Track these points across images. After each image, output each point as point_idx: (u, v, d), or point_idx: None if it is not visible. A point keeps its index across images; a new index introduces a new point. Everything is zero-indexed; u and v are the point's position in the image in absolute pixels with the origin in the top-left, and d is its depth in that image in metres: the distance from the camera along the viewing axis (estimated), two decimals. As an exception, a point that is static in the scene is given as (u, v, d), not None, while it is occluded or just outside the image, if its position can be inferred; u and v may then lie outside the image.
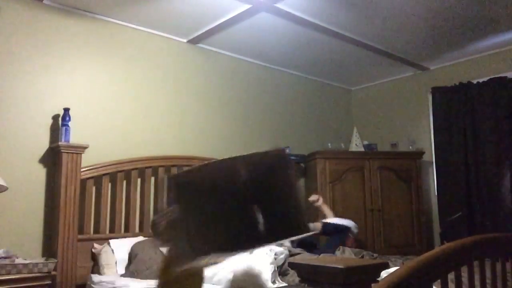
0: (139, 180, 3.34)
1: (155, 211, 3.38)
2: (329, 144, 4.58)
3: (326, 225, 3.43)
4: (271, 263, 2.51)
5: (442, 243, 3.92)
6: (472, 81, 4.21)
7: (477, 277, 1.57)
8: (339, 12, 3.33)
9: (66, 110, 2.97)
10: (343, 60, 4.38)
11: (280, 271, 2.56)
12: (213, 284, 2.46)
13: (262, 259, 2.48)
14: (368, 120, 5.16)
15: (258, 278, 2.34)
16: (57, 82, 3.10)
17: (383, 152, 4.56)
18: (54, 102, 3.05)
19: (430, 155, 4.48)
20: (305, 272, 1.17)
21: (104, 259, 2.87)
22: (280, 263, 2.59)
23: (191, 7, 3.23)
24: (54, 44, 3.11)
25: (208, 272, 2.58)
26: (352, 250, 2.91)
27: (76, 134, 3.00)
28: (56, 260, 2.64)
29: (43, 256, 2.82)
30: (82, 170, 2.95)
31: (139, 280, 2.61)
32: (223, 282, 2.40)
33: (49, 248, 2.88)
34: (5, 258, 2.44)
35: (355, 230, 3.54)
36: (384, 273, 1.41)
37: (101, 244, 3.00)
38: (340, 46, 4.00)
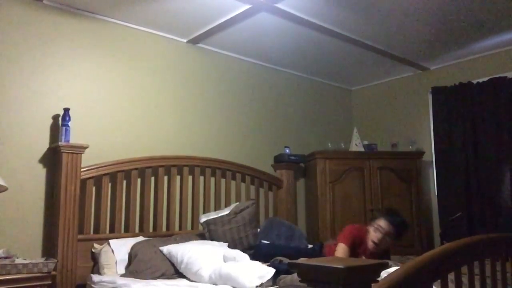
0: (139, 180, 3.34)
1: (155, 211, 3.39)
2: (329, 144, 4.58)
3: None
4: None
5: (442, 243, 3.92)
6: (472, 81, 4.21)
7: (477, 277, 1.57)
8: (339, 12, 3.33)
9: (66, 110, 2.97)
10: (343, 60, 4.38)
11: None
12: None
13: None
14: (368, 120, 5.16)
15: None
16: (57, 82, 3.10)
17: (383, 152, 4.55)
18: (54, 102, 3.05)
19: (430, 155, 4.48)
20: (305, 272, 1.16)
21: (104, 259, 2.87)
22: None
23: (191, 7, 3.23)
24: (54, 44, 3.11)
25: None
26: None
27: (76, 134, 3.00)
28: (56, 260, 2.63)
29: (43, 256, 2.82)
30: (82, 170, 2.95)
31: (139, 280, 2.61)
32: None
33: (49, 248, 2.88)
34: (5, 258, 2.44)
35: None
36: (384, 273, 1.41)
37: (101, 244, 3.00)
38: (340, 46, 4.00)
